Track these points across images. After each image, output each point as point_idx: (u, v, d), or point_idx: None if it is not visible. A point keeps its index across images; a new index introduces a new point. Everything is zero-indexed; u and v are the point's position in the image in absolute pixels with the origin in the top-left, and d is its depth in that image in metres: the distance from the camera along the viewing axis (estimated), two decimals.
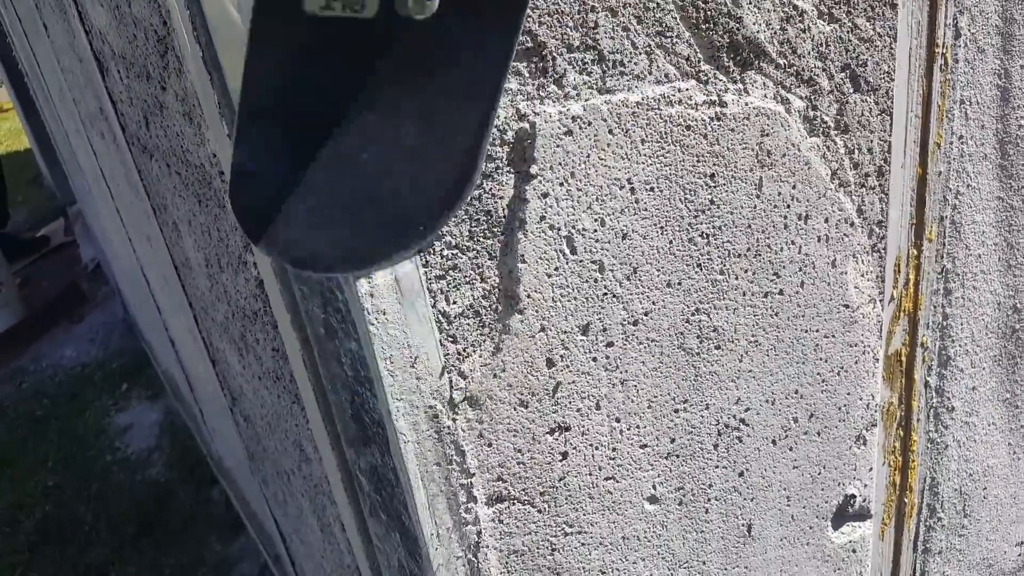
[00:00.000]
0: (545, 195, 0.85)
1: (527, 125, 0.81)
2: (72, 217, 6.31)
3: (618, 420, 1.00)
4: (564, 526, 1.01)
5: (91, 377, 4.49)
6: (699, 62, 0.90)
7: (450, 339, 0.84)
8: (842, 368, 1.19)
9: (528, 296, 0.88)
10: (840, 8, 0.99)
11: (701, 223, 0.97)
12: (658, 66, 0.87)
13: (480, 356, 0.87)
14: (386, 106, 0.62)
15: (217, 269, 1.30)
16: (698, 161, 0.93)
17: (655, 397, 1.02)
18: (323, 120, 0.61)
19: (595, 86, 0.85)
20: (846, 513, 1.35)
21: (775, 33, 0.95)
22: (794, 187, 1.03)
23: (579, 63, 0.83)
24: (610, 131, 0.86)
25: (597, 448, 1.00)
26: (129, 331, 4.77)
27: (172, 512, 3.32)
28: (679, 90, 0.89)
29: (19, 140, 9.09)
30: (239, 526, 3.08)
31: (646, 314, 0.97)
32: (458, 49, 0.62)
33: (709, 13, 0.89)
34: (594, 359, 0.95)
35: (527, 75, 0.80)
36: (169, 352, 2.97)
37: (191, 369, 2.55)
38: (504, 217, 0.83)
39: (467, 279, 0.83)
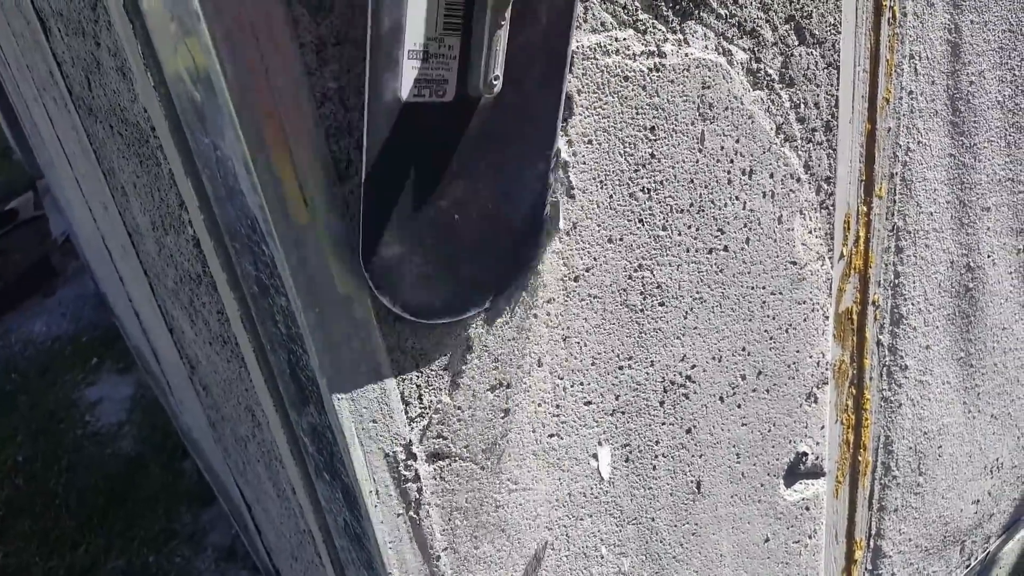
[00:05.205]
0: None
1: None
2: (42, 191, 6.20)
3: (561, 377, 1.00)
4: (508, 483, 1.01)
5: (62, 351, 4.45)
6: (636, 11, 0.88)
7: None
8: (790, 325, 1.20)
9: None
10: None
11: (642, 177, 0.96)
12: (593, 14, 0.85)
13: None
14: (468, 174, 0.78)
15: (162, 232, 1.28)
16: (637, 113, 0.92)
17: (599, 354, 1.02)
18: (425, 190, 0.76)
19: None
20: (798, 471, 1.36)
21: None
22: (737, 141, 1.02)
23: None
24: None
25: (540, 405, 0.99)
26: (100, 305, 4.72)
27: (143, 485, 3.31)
28: (616, 39, 0.88)
29: None
30: (210, 497, 3.08)
31: (587, 270, 0.96)
32: (518, 122, 0.78)
33: None
34: (534, 315, 0.94)
35: None
36: (135, 324, 2.94)
37: (155, 340, 2.52)
38: None
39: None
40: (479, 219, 0.81)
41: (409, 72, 0.68)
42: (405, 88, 0.69)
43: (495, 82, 0.71)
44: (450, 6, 0.67)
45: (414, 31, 0.67)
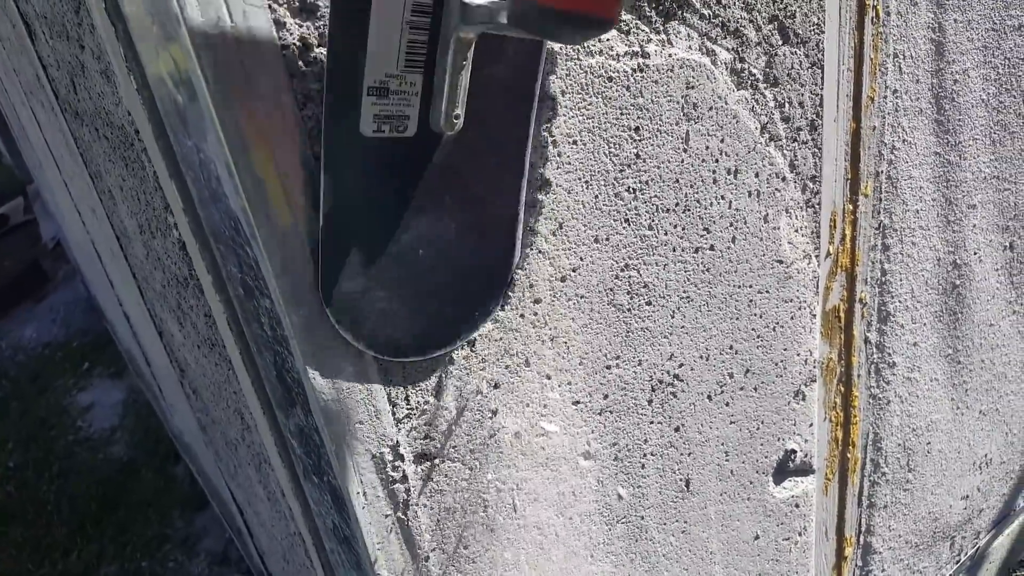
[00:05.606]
0: None
1: None
2: (32, 195, 6.18)
3: (548, 377, 1.00)
4: (496, 483, 1.01)
5: (53, 357, 4.43)
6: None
7: None
8: (777, 324, 1.20)
9: None
10: None
11: (627, 177, 0.96)
12: None
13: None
14: (433, 209, 0.76)
15: (149, 235, 1.28)
16: (621, 114, 0.92)
17: (586, 354, 1.02)
18: (386, 224, 0.74)
19: None
20: (787, 468, 1.37)
21: None
22: (722, 141, 1.02)
23: None
24: None
25: (528, 405, 1.00)
26: (91, 309, 4.70)
27: (135, 490, 3.29)
28: (599, 40, 0.88)
29: None
30: (203, 502, 3.07)
31: (574, 270, 0.97)
32: (483, 159, 0.77)
33: None
34: (521, 316, 0.94)
35: None
36: (126, 328, 2.93)
37: (145, 344, 2.52)
38: None
39: None
40: (446, 256, 0.79)
41: (369, 108, 0.67)
42: (365, 123, 0.68)
43: (456, 120, 0.70)
44: (412, 44, 0.66)
45: (374, 67, 0.65)
